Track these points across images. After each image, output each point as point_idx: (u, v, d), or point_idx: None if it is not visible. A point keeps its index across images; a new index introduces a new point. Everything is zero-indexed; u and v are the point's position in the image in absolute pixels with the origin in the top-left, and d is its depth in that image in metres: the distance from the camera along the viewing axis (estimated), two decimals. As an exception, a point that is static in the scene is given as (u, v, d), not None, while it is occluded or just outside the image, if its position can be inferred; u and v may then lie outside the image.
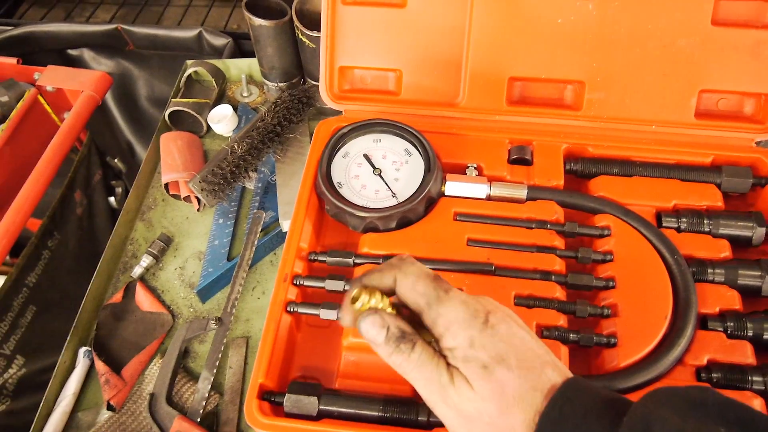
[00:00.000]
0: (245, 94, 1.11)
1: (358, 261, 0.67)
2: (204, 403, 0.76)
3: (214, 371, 0.78)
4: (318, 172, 0.72)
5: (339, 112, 0.82)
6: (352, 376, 0.61)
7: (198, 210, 0.97)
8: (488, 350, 0.46)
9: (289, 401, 0.59)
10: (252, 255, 0.87)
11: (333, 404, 0.59)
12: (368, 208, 0.69)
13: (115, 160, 1.32)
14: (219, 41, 1.22)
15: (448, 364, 0.47)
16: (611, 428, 0.41)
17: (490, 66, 0.78)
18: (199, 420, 0.75)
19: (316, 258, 0.69)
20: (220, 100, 1.10)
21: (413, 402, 0.58)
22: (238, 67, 1.14)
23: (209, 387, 0.77)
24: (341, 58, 0.80)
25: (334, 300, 0.65)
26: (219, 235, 0.93)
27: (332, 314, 0.64)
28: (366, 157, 0.74)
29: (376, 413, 0.58)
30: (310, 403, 0.59)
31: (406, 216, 0.69)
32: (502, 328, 0.47)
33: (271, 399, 0.60)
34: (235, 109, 1.07)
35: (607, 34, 0.75)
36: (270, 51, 1.00)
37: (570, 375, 0.46)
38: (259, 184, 0.97)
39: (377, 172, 0.72)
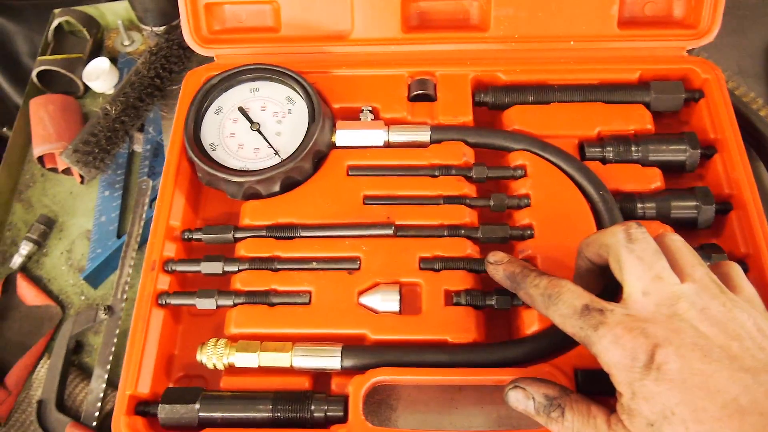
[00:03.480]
0: (126, 43, 0.97)
1: (238, 235, 0.58)
2: (100, 404, 0.68)
3: (108, 367, 0.70)
4: (185, 133, 0.61)
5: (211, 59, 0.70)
6: (239, 372, 0.53)
7: (82, 183, 0.85)
8: (652, 403, 0.37)
9: (164, 412, 0.51)
10: (141, 230, 0.77)
11: (216, 409, 0.50)
12: (245, 171, 0.59)
13: (4, 129, 1.18)
14: (95, -18, 1.06)
15: (611, 413, 0.40)
16: None
17: (380, -14, 0.66)
18: (95, 424, 0.67)
19: (191, 237, 0.59)
20: (97, 53, 0.96)
21: (308, 396, 0.50)
22: (114, 12, 0.99)
23: (104, 385, 0.69)
24: (207, -8, 0.68)
25: (213, 285, 0.56)
26: (106, 210, 0.82)
27: (210, 303, 0.55)
28: (241, 110, 0.63)
29: (266, 414, 0.50)
30: (188, 412, 0.50)
31: (290, 176, 0.59)
32: (672, 367, 0.36)
33: (146, 411, 0.52)
34: (115, 61, 0.94)
35: (512, -64, 0.63)
36: (139, -10, 0.87)
37: None
38: (148, 146, 0.85)
39: (255, 127, 0.62)
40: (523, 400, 0.44)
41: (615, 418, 0.39)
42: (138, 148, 0.86)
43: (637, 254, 0.41)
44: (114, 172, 0.84)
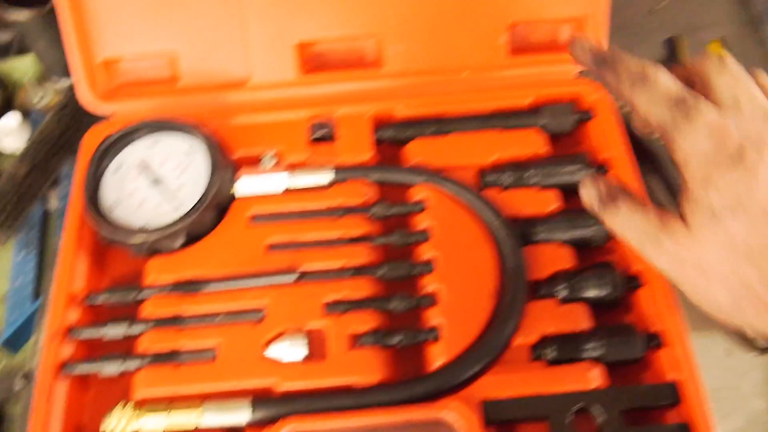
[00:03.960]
0: (37, 98, 0.95)
1: (140, 296, 0.57)
2: (22, 476, 0.66)
3: (29, 437, 0.68)
4: (83, 195, 0.60)
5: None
6: (149, 436, 0.52)
7: (-4, 246, 0.83)
8: (724, 194, 0.36)
9: (70, 486, 0.50)
10: (58, 291, 0.75)
11: (124, 478, 0.50)
12: (146, 230, 0.58)
13: None
14: (2, 37, 1.04)
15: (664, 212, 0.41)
16: None
17: (275, 32, 0.67)
18: (17, 497, 0.65)
19: (94, 302, 0.58)
20: (6, 109, 0.94)
21: (219, 453, 0.50)
22: (25, 66, 0.98)
23: (25, 456, 0.67)
24: (103, 47, 0.68)
25: (123, 347, 0.56)
26: (22, 272, 0.80)
27: (115, 368, 0.54)
28: (141, 166, 0.63)
29: (176, 476, 0.49)
30: (96, 484, 0.49)
31: (193, 230, 0.59)
32: (758, 168, 0.35)
33: (54, 487, 0.51)
34: (28, 117, 0.92)
35: (396, -25, 0.65)
36: (42, 44, 0.86)
37: None
38: (63, 204, 0.84)
39: (155, 183, 0.61)
40: (588, 191, 0.46)
41: (670, 215, 0.40)
42: (52, 205, 0.85)
43: (730, 70, 0.40)
44: (28, 232, 0.83)
